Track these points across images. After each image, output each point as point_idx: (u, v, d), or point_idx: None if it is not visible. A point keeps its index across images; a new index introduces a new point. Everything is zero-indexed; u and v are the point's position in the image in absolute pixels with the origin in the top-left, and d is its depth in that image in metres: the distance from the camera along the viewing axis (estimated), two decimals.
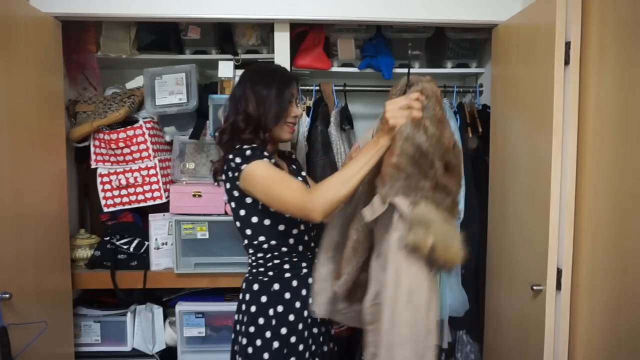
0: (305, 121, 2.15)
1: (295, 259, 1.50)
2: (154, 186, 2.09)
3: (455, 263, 1.22)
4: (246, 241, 1.52)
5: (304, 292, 1.50)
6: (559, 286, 1.55)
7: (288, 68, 2.01)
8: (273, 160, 1.42)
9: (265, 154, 1.41)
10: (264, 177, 1.36)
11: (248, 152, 1.39)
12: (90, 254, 2.10)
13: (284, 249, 1.48)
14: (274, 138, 1.52)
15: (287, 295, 1.48)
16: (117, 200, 2.11)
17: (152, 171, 2.08)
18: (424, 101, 1.22)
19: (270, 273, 1.50)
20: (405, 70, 2.22)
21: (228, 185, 1.46)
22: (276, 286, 1.49)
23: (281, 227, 1.46)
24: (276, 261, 1.49)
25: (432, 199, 1.20)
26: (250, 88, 1.48)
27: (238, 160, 1.39)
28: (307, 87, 2.24)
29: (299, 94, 1.59)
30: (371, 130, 1.41)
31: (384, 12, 1.94)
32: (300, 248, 1.51)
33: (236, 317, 1.55)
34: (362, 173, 1.25)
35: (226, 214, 2.02)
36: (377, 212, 1.22)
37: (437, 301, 1.27)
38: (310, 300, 1.49)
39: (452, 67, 2.31)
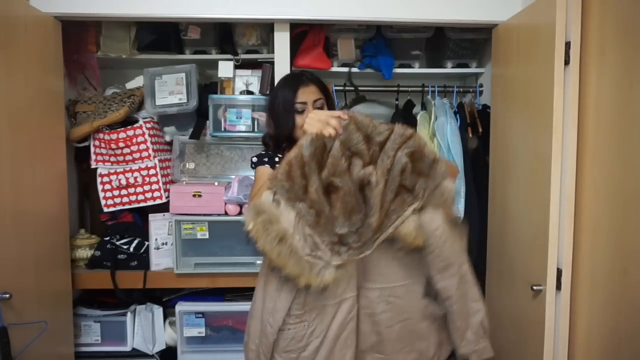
0: None
1: None
2: (154, 186, 2.09)
3: (279, 265, 1.28)
4: None
5: None
6: (559, 286, 1.55)
7: (288, 68, 2.01)
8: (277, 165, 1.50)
9: (266, 159, 1.56)
10: (256, 181, 1.55)
11: (254, 159, 1.59)
12: (90, 254, 2.10)
13: None
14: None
15: None
16: (117, 200, 2.11)
17: (152, 171, 2.08)
18: (345, 121, 1.30)
19: None
20: (406, 70, 2.23)
21: None
22: None
23: None
24: None
25: (293, 205, 1.27)
26: (268, 108, 1.64)
27: (252, 166, 1.60)
28: None
29: (317, 95, 1.56)
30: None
31: (384, 12, 1.94)
32: None
33: None
34: None
35: (226, 214, 2.03)
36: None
37: (272, 294, 1.38)
38: None
39: (452, 67, 2.31)
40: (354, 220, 1.28)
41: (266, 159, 1.56)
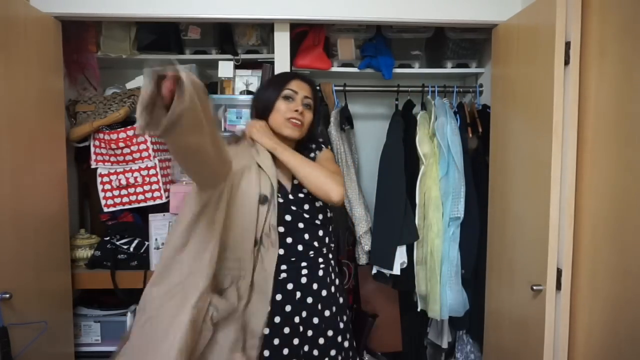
0: None
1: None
2: (154, 186, 2.09)
3: None
4: None
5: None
6: (559, 286, 1.55)
7: (288, 68, 2.02)
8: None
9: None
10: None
11: None
12: (90, 254, 2.10)
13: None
14: (278, 136, 1.54)
15: None
16: (117, 200, 2.11)
17: (152, 171, 2.08)
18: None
19: None
20: (406, 70, 2.22)
21: None
22: None
23: None
24: None
25: None
26: (255, 97, 1.65)
27: None
28: None
29: (309, 93, 1.57)
30: None
31: (384, 12, 1.94)
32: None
33: None
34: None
35: None
36: None
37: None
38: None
39: (452, 67, 2.32)
40: None
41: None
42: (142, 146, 2.07)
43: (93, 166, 2.11)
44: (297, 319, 1.47)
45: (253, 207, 1.40)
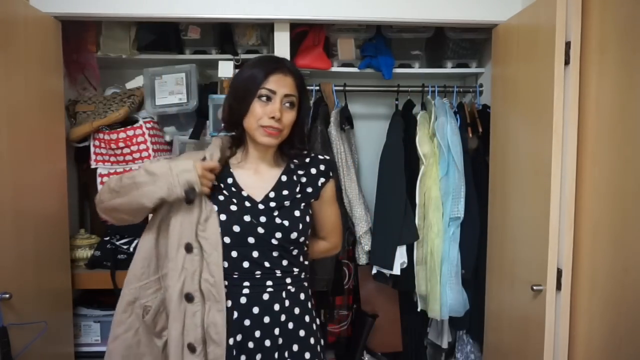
0: None
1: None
2: None
3: None
4: None
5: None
6: (559, 286, 1.55)
7: None
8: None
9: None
10: None
11: None
12: (90, 254, 2.10)
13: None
14: (252, 139, 1.39)
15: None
16: None
17: None
18: None
19: None
20: (406, 70, 2.21)
21: None
22: None
23: None
24: None
25: None
26: (230, 86, 1.44)
27: None
28: (307, 87, 2.24)
29: (291, 90, 1.35)
30: None
31: (384, 12, 1.94)
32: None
33: None
34: None
35: None
36: None
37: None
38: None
39: (452, 67, 2.32)
40: None
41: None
42: (142, 146, 2.07)
43: (93, 166, 2.11)
44: (231, 341, 1.31)
45: (180, 204, 1.32)
